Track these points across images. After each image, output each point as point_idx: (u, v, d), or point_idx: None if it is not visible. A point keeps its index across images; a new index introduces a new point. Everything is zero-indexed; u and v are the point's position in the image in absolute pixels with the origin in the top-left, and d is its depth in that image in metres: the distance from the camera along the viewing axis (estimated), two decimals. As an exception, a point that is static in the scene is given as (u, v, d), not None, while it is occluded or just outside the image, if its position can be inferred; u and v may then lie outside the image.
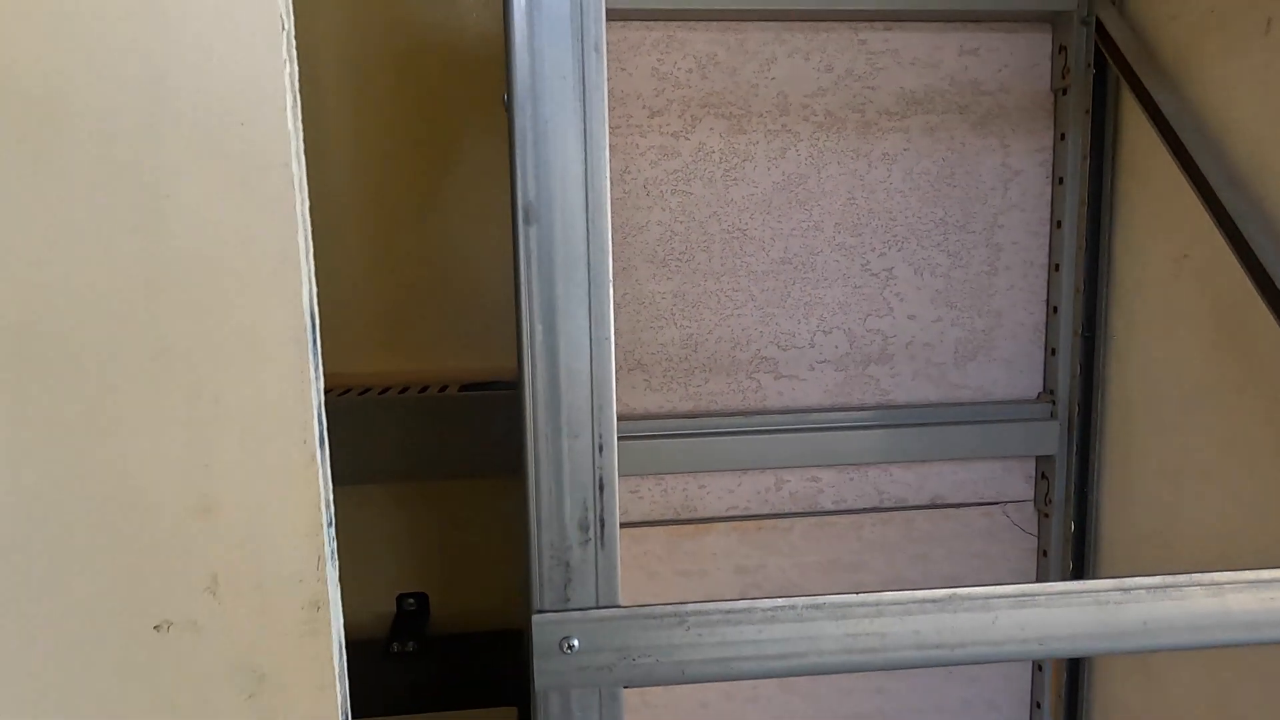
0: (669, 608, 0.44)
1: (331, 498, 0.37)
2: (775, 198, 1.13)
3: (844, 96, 1.12)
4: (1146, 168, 1.06)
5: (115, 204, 0.33)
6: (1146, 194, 1.06)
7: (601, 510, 0.43)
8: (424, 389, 0.97)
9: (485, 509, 1.18)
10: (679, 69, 1.09)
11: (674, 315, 1.14)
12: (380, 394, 0.95)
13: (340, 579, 1.20)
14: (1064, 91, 1.11)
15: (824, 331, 1.16)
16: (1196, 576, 0.46)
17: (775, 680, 1.22)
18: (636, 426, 1.14)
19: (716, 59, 1.09)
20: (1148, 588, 0.46)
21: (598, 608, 0.44)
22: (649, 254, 1.12)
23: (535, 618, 0.43)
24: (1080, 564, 1.18)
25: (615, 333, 1.14)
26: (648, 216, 1.11)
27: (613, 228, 1.12)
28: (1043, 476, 1.19)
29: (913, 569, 1.22)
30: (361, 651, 1.02)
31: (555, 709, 0.44)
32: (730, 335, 1.15)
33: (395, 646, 1.01)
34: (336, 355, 1.03)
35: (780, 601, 0.45)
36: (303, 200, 0.34)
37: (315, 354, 0.35)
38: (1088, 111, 1.09)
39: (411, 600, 1.06)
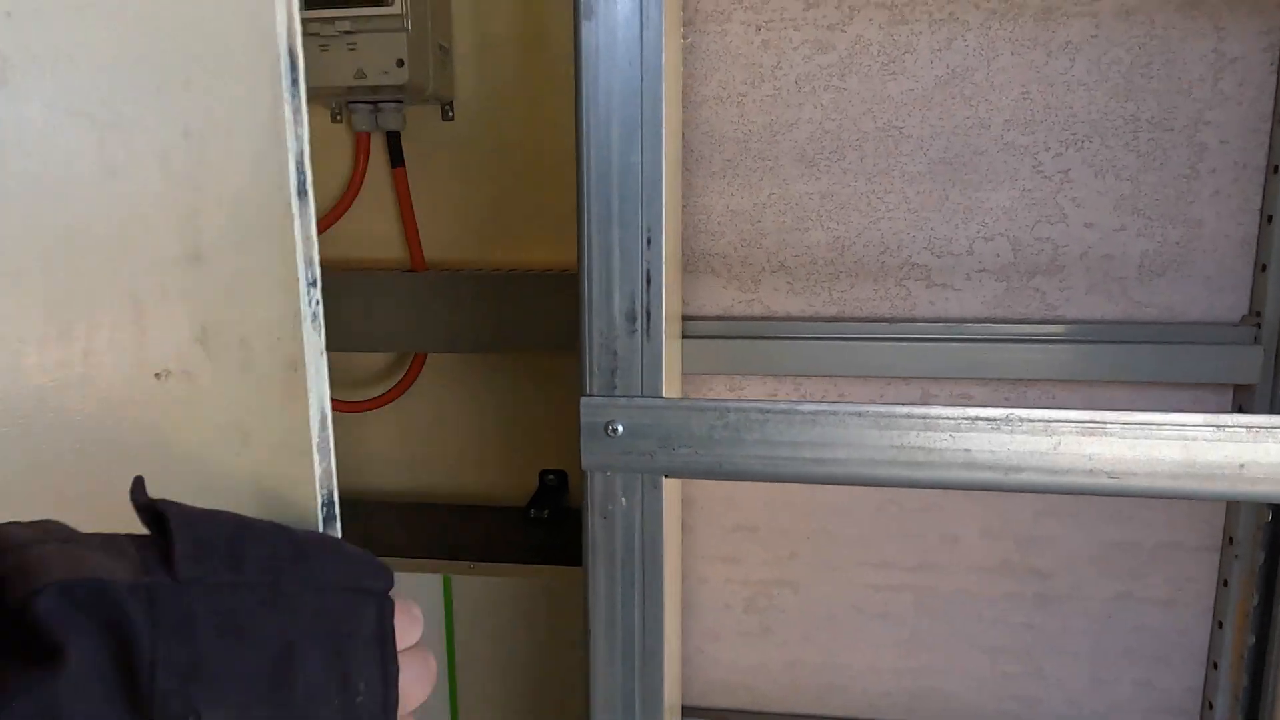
0: (711, 402, 0.45)
1: (315, 256, 0.39)
2: (937, 93, 1.06)
3: (1023, -21, 1.03)
4: (1404, 45, 0.89)
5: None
6: (1400, 76, 0.89)
7: (649, 303, 0.45)
8: (564, 271, 1.02)
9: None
10: (839, -42, 1.05)
11: (821, 217, 1.12)
12: (525, 272, 1.02)
13: (489, 451, 1.29)
14: (1300, -40, 0.96)
15: (985, 238, 1.09)
16: (1313, 419, 0.41)
17: (910, 599, 1.19)
18: (776, 327, 1.14)
19: (879, -56, 1.04)
20: (1247, 426, 0.41)
21: (642, 396, 0.46)
22: (797, 153, 1.10)
23: (583, 400, 0.46)
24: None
25: (760, 233, 1.13)
26: (798, 114, 1.09)
27: (761, 126, 1.11)
28: (1239, 409, 1.05)
29: (1077, 503, 1.13)
30: (504, 515, 1.12)
31: (599, 489, 0.47)
32: (880, 239, 1.11)
33: (533, 513, 1.09)
34: (487, 243, 1.12)
35: (823, 405, 0.45)
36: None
37: (295, 97, 0.37)
38: (1329, -19, 0.93)
39: (552, 476, 1.14)
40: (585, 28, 0.43)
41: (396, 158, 1.06)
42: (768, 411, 0.46)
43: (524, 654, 0.92)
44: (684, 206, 1.14)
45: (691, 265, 1.15)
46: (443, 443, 1.14)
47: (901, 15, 1.06)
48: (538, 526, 1.09)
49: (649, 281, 0.45)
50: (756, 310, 1.15)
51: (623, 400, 0.46)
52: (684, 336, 1.16)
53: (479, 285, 1.01)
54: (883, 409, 0.44)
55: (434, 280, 0.99)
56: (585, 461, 0.48)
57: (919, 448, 0.44)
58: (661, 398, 0.46)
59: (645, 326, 0.46)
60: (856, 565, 1.19)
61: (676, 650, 1.20)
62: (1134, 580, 1.12)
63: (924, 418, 0.44)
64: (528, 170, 1.14)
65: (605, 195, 0.44)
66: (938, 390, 1.13)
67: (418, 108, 1.07)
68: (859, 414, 0.44)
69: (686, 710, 1.26)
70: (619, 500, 0.48)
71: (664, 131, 0.43)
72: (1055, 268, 1.08)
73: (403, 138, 1.06)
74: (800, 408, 0.45)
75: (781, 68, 1.09)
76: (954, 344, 1.10)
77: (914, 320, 1.12)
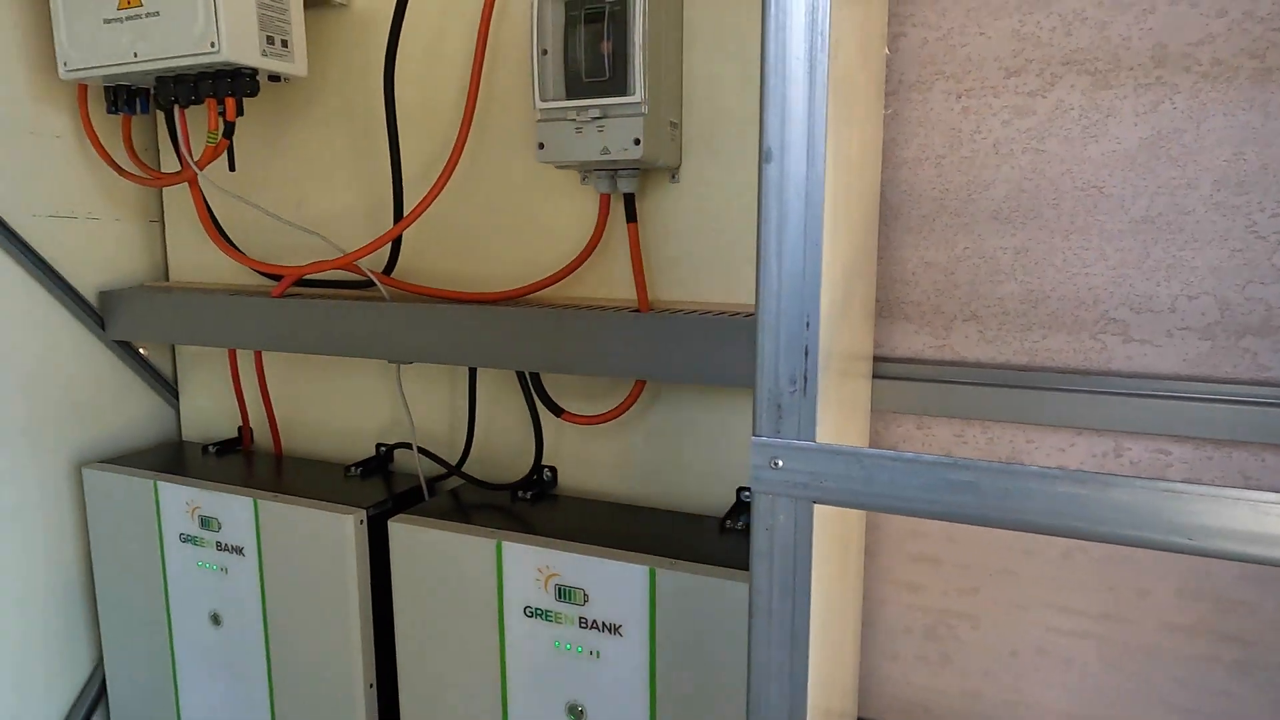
0: (851, 448, 0.59)
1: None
2: (1140, 154, 1.09)
3: (1239, 42, 1.03)
4: None
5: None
6: None
7: (806, 370, 0.60)
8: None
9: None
10: (1042, 28, 1.12)
11: (1015, 271, 1.17)
12: (732, 315, 1.18)
13: (694, 466, 1.51)
14: None
15: (1189, 296, 1.09)
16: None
17: (1095, 648, 1.20)
18: (965, 373, 1.21)
19: (1084, 15, 1.09)
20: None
21: (798, 439, 0.61)
22: (993, 210, 1.17)
23: (754, 440, 0.62)
24: None
25: (953, 284, 1.22)
26: (995, 175, 1.16)
27: (958, 185, 1.19)
28: None
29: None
30: (705, 523, 1.28)
31: (764, 509, 0.62)
32: (1075, 294, 1.15)
33: (728, 523, 1.25)
34: (703, 287, 1.29)
35: (944, 459, 0.57)
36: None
37: None
38: None
39: (747, 493, 1.29)
40: (766, 169, 0.58)
41: (630, 214, 1.27)
42: (894, 460, 0.58)
43: (717, 645, 1.08)
44: (880, 258, 1.25)
45: (885, 311, 1.26)
46: (655, 455, 1.34)
47: (1105, 81, 1.10)
48: (733, 535, 1.25)
49: (806, 355, 0.60)
50: (947, 355, 1.23)
51: (783, 442, 0.61)
52: (875, 377, 1.26)
53: (693, 325, 1.18)
54: (1001, 466, 0.56)
55: (654, 319, 1.18)
56: (755, 486, 0.63)
57: (1047, 493, 0.55)
58: (814, 443, 0.61)
59: (803, 388, 0.60)
60: (1040, 607, 1.22)
61: (853, 662, 1.30)
62: (1353, 659, 1.07)
63: (1054, 477, 0.55)
64: (737, 228, 1.30)
65: (777, 292, 0.60)
66: (1132, 444, 1.15)
67: (650, 172, 1.28)
68: (987, 469, 0.56)
69: (862, 722, 1.35)
70: (779, 518, 0.63)
71: (823, 246, 0.58)
72: (1269, 329, 1.06)
73: (636, 198, 1.27)
74: (923, 458, 0.58)
75: (980, 132, 1.16)
76: (1151, 400, 1.11)
77: (1109, 374, 1.14)
